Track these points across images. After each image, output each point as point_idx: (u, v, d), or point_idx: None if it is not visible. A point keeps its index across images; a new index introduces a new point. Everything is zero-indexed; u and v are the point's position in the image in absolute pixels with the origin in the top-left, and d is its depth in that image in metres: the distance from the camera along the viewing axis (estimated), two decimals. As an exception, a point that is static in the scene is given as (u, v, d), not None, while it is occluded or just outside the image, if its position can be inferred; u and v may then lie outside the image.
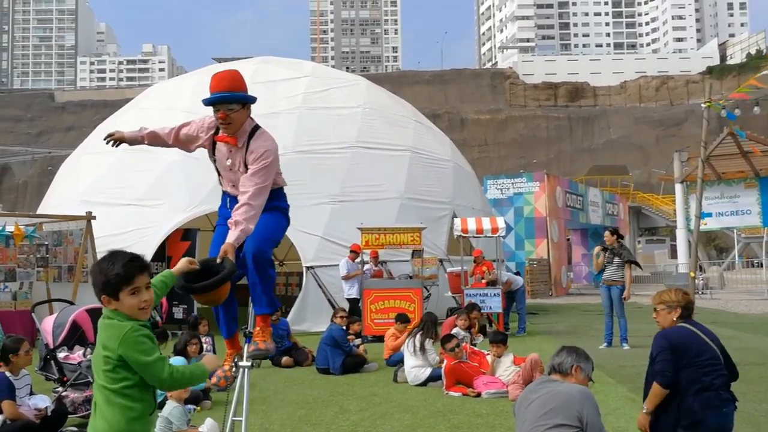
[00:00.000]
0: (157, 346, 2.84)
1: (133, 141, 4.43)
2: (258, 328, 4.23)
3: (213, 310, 4.34)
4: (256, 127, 4.22)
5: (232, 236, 3.88)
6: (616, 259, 11.32)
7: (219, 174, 4.38)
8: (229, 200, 4.36)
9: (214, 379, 4.31)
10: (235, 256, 3.95)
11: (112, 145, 4.40)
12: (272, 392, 7.93)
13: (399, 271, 14.71)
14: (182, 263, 3.55)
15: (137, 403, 2.79)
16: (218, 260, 3.77)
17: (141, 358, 2.76)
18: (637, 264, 11.99)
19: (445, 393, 7.70)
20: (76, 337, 6.93)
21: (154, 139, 4.44)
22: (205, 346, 8.50)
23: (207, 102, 4.12)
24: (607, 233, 11.74)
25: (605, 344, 11.29)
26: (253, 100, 4.15)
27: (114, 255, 2.88)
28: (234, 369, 4.18)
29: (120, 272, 2.82)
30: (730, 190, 25.79)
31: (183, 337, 7.71)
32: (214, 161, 4.35)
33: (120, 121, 17.99)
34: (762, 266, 30.99)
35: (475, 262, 14.58)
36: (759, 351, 10.41)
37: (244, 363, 4.05)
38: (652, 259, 43.71)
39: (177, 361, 7.23)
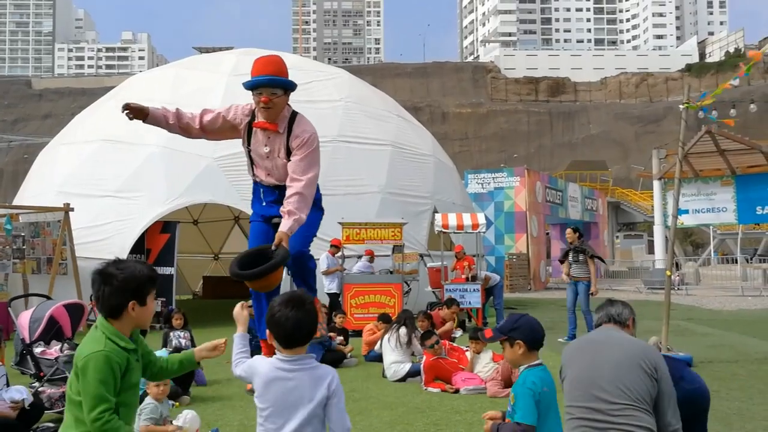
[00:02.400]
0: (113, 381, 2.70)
1: (155, 121, 4.15)
2: None
3: (255, 311, 4.35)
4: (295, 113, 4.18)
5: (285, 225, 3.87)
6: (581, 256, 11.69)
7: (252, 163, 4.26)
8: (263, 191, 4.27)
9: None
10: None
11: (128, 116, 4.10)
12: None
13: (379, 266, 14.74)
14: (206, 347, 3.29)
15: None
16: (273, 248, 3.79)
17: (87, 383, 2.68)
18: (601, 259, 12.27)
19: (424, 389, 7.74)
20: (53, 332, 6.87)
21: (179, 122, 4.19)
22: (183, 341, 8.47)
23: (249, 85, 4.01)
24: (569, 231, 12.18)
25: (567, 338, 11.51)
26: (294, 87, 4.10)
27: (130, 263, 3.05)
28: None
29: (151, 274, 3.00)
30: (706, 187, 26.01)
31: (164, 331, 7.64)
32: (249, 150, 4.24)
33: (99, 112, 17.81)
34: (736, 262, 31.43)
35: (456, 257, 14.67)
36: (732, 348, 10.57)
37: None
38: (630, 255, 44.13)
39: (163, 353, 7.17)
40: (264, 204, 4.25)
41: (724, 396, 7.10)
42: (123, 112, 4.12)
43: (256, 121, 4.12)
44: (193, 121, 4.21)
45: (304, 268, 4.19)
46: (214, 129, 4.25)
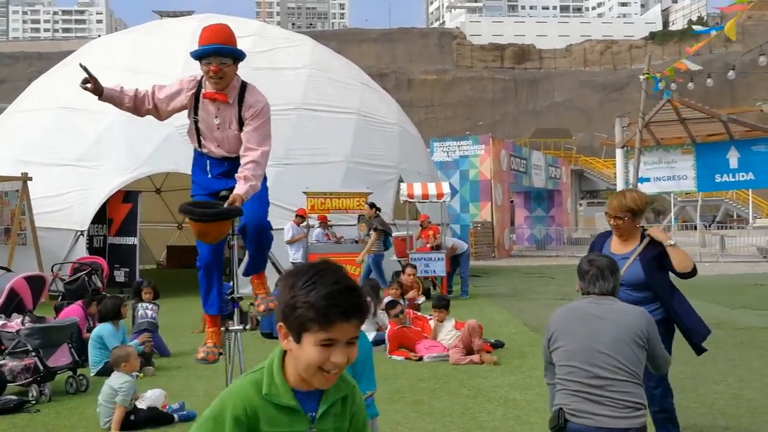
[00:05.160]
0: None
1: (111, 100, 4.03)
2: (257, 281, 4.33)
3: (202, 288, 4.32)
4: (245, 83, 4.13)
5: (241, 189, 3.88)
6: (371, 231, 12.69)
7: (199, 134, 4.18)
8: (209, 163, 4.22)
9: (201, 354, 4.34)
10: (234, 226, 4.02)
11: (83, 85, 3.95)
12: (216, 358, 7.94)
13: (345, 235, 14.77)
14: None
15: None
16: (226, 205, 3.81)
17: None
18: (385, 232, 12.95)
19: (388, 357, 7.86)
20: (13, 305, 6.80)
21: (135, 103, 4.09)
22: (149, 312, 8.43)
23: (197, 54, 3.92)
24: (366, 207, 13.01)
25: None
26: (244, 56, 4.05)
27: (324, 271, 1.72)
28: (217, 343, 4.27)
29: (318, 304, 1.67)
30: (667, 155, 26.57)
31: (111, 300, 7.44)
32: (196, 121, 4.15)
33: (57, 78, 17.39)
34: (696, 229, 32.15)
35: (421, 226, 14.77)
36: (688, 313, 10.86)
37: (236, 327, 4.17)
38: (593, 222, 44.79)
39: (104, 328, 7.11)
40: (210, 176, 4.20)
41: (678, 360, 7.27)
42: (82, 82, 3.98)
43: (204, 92, 4.05)
44: (147, 99, 4.13)
45: (265, 242, 4.20)
46: (170, 109, 4.16)
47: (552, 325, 3.54)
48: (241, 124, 4.11)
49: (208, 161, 4.25)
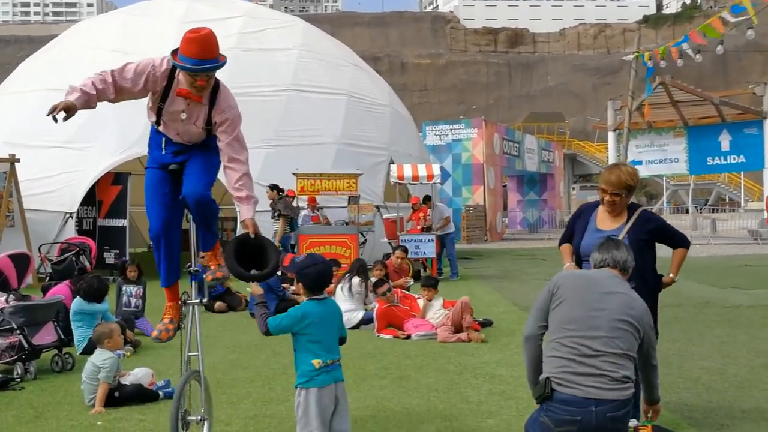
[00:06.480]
0: None
1: (86, 106, 3.97)
2: (210, 254, 4.27)
3: (156, 257, 4.29)
4: (217, 81, 4.07)
5: (250, 211, 3.94)
6: (275, 213, 12.80)
7: (160, 117, 4.11)
8: (164, 141, 4.18)
9: (155, 333, 4.33)
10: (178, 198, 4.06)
11: (64, 120, 3.88)
12: (204, 337, 7.81)
13: (335, 216, 14.74)
14: None
15: None
16: (252, 235, 3.89)
17: None
18: (289, 218, 13.04)
19: (377, 336, 7.86)
20: (-2, 283, 6.76)
21: (102, 96, 4.04)
22: (133, 300, 8.38)
23: (193, 69, 3.81)
24: (267, 190, 12.94)
25: None
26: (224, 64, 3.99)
27: None
28: (173, 322, 4.24)
29: None
30: (659, 138, 26.55)
31: (97, 281, 7.33)
32: (160, 108, 4.08)
33: (43, 60, 17.24)
34: (688, 212, 32.23)
35: (413, 208, 14.76)
36: (676, 293, 10.85)
37: (193, 300, 4.13)
38: (585, 205, 44.84)
39: (79, 300, 7.06)
40: (164, 152, 4.16)
41: (666, 338, 7.33)
42: (57, 117, 3.89)
43: (179, 88, 3.97)
44: (109, 88, 4.02)
45: (208, 214, 4.15)
46: (134, 92, 4.05)
47: (561, 281, 3.51)
48: (208, 122, 4.06)
49: (163, 139, 4.20)
